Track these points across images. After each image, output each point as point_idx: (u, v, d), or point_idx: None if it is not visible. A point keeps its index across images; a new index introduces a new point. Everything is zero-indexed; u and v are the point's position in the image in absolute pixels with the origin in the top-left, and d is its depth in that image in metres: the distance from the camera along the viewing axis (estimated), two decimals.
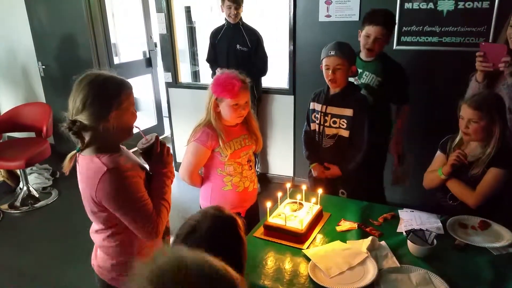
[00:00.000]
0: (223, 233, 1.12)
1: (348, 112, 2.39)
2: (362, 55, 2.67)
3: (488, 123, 1.97)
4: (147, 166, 1.67)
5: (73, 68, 4.74)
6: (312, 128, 2.57)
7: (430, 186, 2.21)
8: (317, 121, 2.50)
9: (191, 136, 2.13)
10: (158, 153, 1.63)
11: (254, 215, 2.34)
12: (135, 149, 1.69)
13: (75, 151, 1.53)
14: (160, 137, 5.62)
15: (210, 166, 2.17)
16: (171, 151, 4.75)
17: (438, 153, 2.24)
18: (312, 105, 2.54)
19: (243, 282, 1.18)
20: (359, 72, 2.61)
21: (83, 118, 1.45)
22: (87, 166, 1.50)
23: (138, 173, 1.54)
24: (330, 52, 2.33)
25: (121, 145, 1.64)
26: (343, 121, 2.42)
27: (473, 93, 2.24)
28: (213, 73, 3.84)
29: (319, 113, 2.48)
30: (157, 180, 1.61)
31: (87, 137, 1.50)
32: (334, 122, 2.44)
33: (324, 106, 2.45)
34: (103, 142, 1.50)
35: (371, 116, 2.44)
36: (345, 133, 2.43)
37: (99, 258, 1.68)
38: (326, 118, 2.46)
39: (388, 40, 2.61)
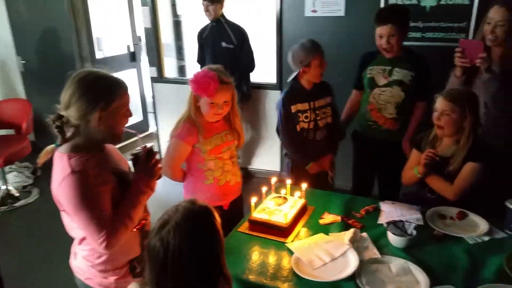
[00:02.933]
0: (193, 225, 1.12)
1: (329, 99, 2.62)
2: (386, 55, 2.57)
3: (460, 117, 2.03)
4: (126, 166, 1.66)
5: (55, 63, 4.72)
6: (298, 129, 2.58)
7: (409, 183, 2.27)
8: (307, 120, 2.55)
9: (173, 132, 2.15)
10: (143, 165, 1.60)
11: (238, 209, 2.38)
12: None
13: (53, 145, 1.51)
14: (146, 133, 5.55)
15: (191, 160, 2.20)
16: (157, 147, 4.75)
17: (414, 150, 2.28)
18: (294, 108, 2.53)
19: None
20: (387, 70, 2.58)
21: (69, 114, 1.45)
22: (56, 163, 1.49)
23: (107, 180, 1.50)
24: (316, 52, 2.45)
25: (109, 146, 1.63)
26: (328, 109, 2.62)
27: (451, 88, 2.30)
28: None
29: (308, 111, 2.54)
30: (132, 193, 1.56)
31: (68, 133, 1.49)
32: (324, 113, 2.61)
33: (312, 103, 2.55)
34: (82, 141, 1.49)
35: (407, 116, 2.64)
36: (331, 120, 2.64)
37: (77, 258, 1.67)
38: (317, 112, 2.57)
39: (404, 34, 2.54)
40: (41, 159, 1.52)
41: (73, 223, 1.54)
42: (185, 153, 2.16)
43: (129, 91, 1.56)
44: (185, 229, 1.10)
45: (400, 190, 2.80)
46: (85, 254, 1.62)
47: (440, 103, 2.08)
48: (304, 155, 2.65)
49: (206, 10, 3.66)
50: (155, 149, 4.61)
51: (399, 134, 2.66)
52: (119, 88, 1.51)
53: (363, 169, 2.91)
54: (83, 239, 1.59)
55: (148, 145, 1.65)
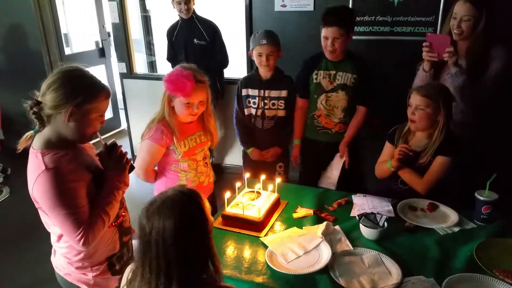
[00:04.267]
0: (180, 205, 1.13)
1: (284, 93, 2.68)
2: (329, 57, 2.57)
3: (434, 112, 2.06)
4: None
5: (21, 59, 4.60)
6: (247, 113, 2.73)
7: (382, 176, 2.29)
8: (255, 106, 2.70)
9: (146, 133, 2.09)
10: (108, 161, 1.59)
11: (211, 205, 2.35)
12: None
13: (32, 131, 1.51)
14: (117, 130, 5.48)
15: (164, 162, 2.16)
16: (129, 143, 4.67)
17: (387, 143, 2.31)
18: (245, 91, 2.70)
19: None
20: (331, 75, 2.58)
21: (44, 102, 1.44)
22: (31, 161, 1.48)
23: (82, 177, 1.50)
24: (262, 41, 2.54)
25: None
26: (281, 102, 2.69)
27: (420, 82, 2.33)
28: None
29: (256, 97, 2.66)
30: (106, 189, 1.57)
31: (45, 120, 1.48)
32: (273, 104, 2.69)
33: (262, 91, 2.67)
34: (54, 136, 1.48)
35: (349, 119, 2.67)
36: (283, 113, 2.72)
37: (56, 256, 1.67)
38: (266, 101, 2.69)
39: (349, 37, 2.51)
40: (21, 145, 1.52)
41: (50, 221, 1.54)
42: (159, 155, 2.11)
43: (109, 99, 1.54)
44: (171, 208, 1.11)
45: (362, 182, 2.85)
46: (63, 252, 1.61)
47: (414, 99, 2.10)
48: (248, 139, 2.77)
49: (186, 9, 3.60)
50: (127, 145, 4.58)
51: None
52: (100, 92, 1.49)
53: (312, 170, 2.88)
54: (61, 236, 1.58)
55: (109, 142, 1.62)
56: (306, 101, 2.73)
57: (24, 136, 1.52)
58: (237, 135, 2.83)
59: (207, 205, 1.20)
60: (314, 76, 2.63)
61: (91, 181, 1.54)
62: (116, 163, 1.60)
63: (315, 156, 2.81)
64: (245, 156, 2.88)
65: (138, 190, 2.52)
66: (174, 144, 2.07)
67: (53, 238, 1.63)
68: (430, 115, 2.07)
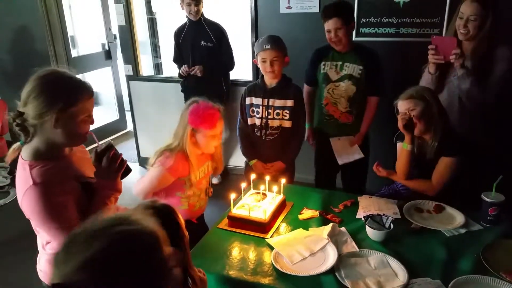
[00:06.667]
0: (155, 219, 1.08)
1: (290, 103, 2.52)
2: (336, 48, 2.68)
3: (426, 107, 2.07)
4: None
5: (29, 61, 4.64)
6: (250, 123, 2.62)
7: (405, 171, 2.20)
8: (258, 115, 2.58)
9: (160, 160, 2.00)
10: (98, 168, 1.51)
11: (201, 218, 2.32)
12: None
13: (19, 143, 1.47)
14: (123, 132, 5.44)
15: (170, 189, 2.07)
16: (135, 145, 4.65)
17: (398, 144, 2.27)
18: (249, 100, 2.59)
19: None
20: (338, 65, 2.69)
21: (26, 112, 1.40)
22: (19, 172, 1.44)
23: (70, 189, 1.45)
24: (265, 46, 2.42)
25: (75, 151, 1.57)
26: (286, 112, 2.54)
27: (426, 84, 2.33)
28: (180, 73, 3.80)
29: (260, 106, 2.55)
30: (97, 199, 1.51)
31: (31, 131, 1.44)
32: (278, 114, 2.55)
33: (266, 100, 2.54)
34: (43, 145, 1.44)
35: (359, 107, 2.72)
36: (288, 124, 2.56)
37: (41, 262, 1.63)
38: (270, 110, 2.55)
39: (351, 26, 2.63)
40: (9, 157, 1.49)
41: (33, 225, 1.53)
42: (168, 183, 2.04)
43: (93, 97, 1.48)
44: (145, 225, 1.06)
45: (366, 181, 2.89)
46: (50, 258, 1.57)
47: (402, 105, 2.13)
48: (250, 150, 2.67)
49: (196, 10, 3.60)
50: (133, 146, 4.59)
51: (354, 126, 2.78)
52: (81, 92, 1.43)
53: (325, 163, 2.95)
54: (48, 242, 1.55)
55: (103, 143, 1.53)
56: (311, 88, 2.86)
57: (11, 149, 1.48)
58: (240, 145, 2.74)
59: (181, 218, 1.19)
60: (322, 67, 2.73)
61: (82, 191, 1.49)
62: (106, 171, 1.50)
63: (326, 148, 2.85)
64: (247, 167, 2.78)
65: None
66: (188, 176, 2.04)
67: (41, 243, 1.59)
68: (424, 110, 2.07)
